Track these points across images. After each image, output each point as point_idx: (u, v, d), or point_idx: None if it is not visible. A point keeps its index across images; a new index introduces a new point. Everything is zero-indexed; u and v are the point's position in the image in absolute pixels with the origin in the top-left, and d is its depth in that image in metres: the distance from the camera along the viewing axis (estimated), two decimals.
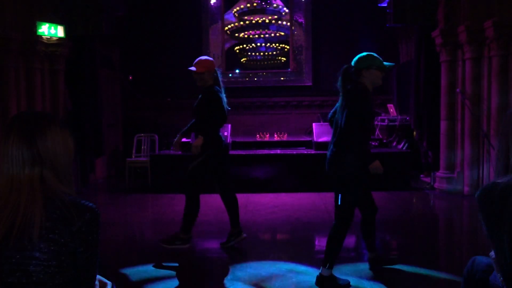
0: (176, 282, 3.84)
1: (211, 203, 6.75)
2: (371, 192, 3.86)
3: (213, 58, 10.68)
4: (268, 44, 10.24)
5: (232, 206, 4.65)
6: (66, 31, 7.48)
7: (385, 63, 3.69)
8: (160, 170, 7.75)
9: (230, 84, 10.67)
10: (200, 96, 4.56)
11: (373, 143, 8.10)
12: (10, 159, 1.51)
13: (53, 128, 1.56)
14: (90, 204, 1.54)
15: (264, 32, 10.23)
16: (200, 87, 4.59)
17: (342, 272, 3.83)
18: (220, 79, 4.58)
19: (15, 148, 1.51)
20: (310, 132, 8.44)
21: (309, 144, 8.25)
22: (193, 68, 4.52)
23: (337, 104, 3.71)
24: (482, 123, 6.79)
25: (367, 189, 3.80)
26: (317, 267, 3.68)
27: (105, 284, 1.74)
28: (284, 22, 10.31)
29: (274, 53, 10.44)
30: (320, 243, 5.19)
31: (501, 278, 1.65)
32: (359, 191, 3.64)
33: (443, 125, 7.35)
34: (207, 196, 7.21)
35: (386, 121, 9.01)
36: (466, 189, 7.05)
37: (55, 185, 1.53)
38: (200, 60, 4.58)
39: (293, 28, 10.51)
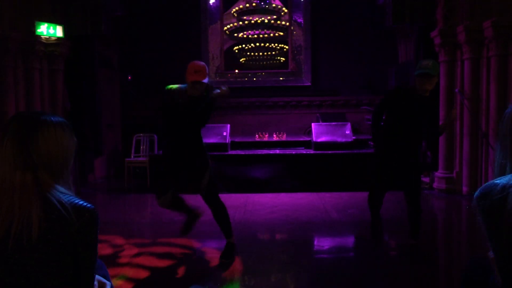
0: (175, 283, 3.84)
1: None
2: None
3: (212, 58, 10.73)
4: (267, 44, 10.21)
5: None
6: (65, 31, 7.48)
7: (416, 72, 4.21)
8: None
9: (229, 84, 10.64)
10: (192, 102, 3.96)
11: (370, 143, 8.09)
12: (3, 162, 1.52)
13: (45, 128, 1.55)
14: (89, 205, 1.54)
15: (263, 32, 10.20)
16: (190, 97, 3.98)
17: (343, 272, 3.83)
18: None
19: (8, 152, 1.52)
20: (309, 132, 8.44)
21: (308, 144, 8.25)
22: (203, 79, 3.85)
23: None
24: (481, 123, 6.79)
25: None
26: (316, 267, 3.68)
27: (104, 284, 1.75)
28: (283, 22, 10.30)
29: (273, 53, 10.41)
30: (319, 242, 5.19)
31: (500, 279, 1.65)
32: None
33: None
34: None
35: None
36: (465, 189, 7.05)
37: (51, 185, 1.53)
38: (200, 66, 3.90)
39: (292, 28, 10.51)
